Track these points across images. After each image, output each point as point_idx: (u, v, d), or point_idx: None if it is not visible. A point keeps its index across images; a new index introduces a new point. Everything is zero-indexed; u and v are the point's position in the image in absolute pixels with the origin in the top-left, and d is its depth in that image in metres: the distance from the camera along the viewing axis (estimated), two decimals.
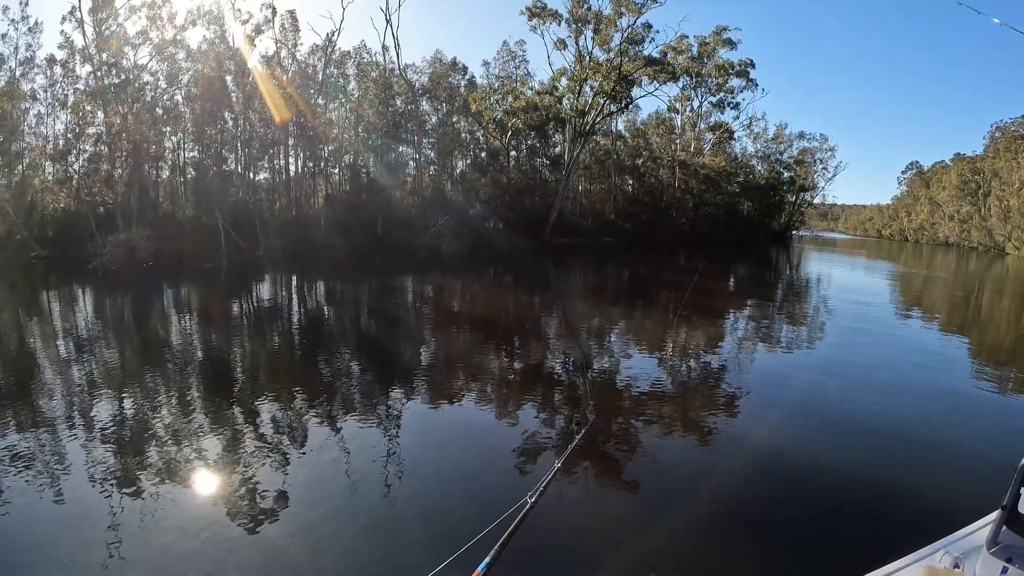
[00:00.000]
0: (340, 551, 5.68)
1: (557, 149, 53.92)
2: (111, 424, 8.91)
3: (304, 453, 7.98)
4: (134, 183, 37.34)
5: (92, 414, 9.32)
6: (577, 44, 51.11)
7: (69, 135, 40.22)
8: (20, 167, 40.56)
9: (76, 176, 40.11)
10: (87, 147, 39.83)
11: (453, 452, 8.20)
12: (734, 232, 62.51)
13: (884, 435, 8.87)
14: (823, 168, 77.63)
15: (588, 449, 7.92)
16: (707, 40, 58.86)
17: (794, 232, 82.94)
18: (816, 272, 40.46)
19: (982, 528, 3.77)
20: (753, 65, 60.28)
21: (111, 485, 6.85)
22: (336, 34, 44.09)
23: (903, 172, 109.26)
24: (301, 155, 45.05)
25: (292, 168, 45.62)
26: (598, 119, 50.82)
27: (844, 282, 34.19)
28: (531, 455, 7.88)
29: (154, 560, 5.44)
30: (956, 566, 3.43)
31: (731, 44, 58.97)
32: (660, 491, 7.05)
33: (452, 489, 6.95)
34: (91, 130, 39.22)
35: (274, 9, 41.59)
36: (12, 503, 6.37)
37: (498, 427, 9.15)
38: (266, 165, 44.60)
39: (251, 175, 43.16)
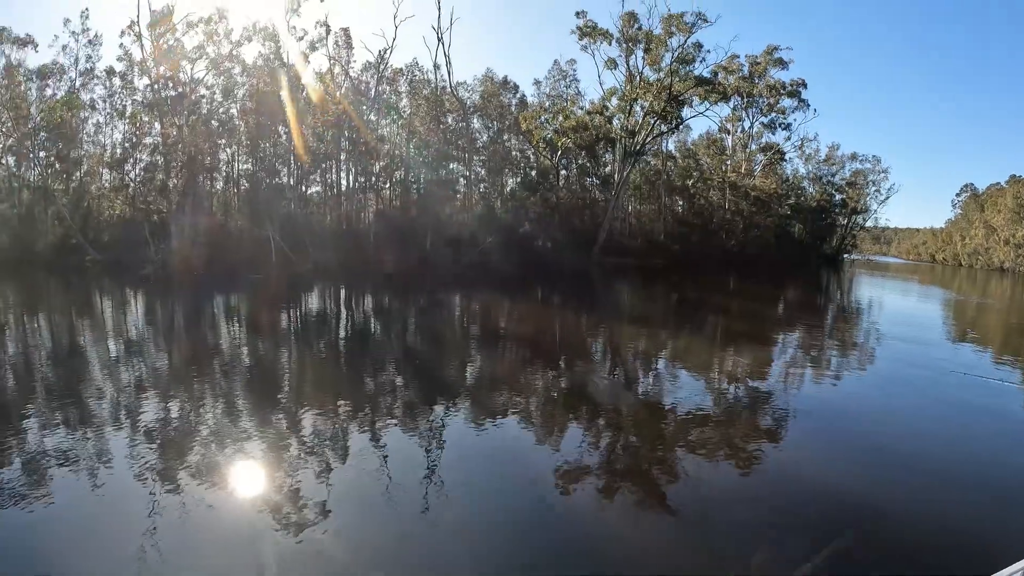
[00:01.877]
0: (372, 563, 5.69)
1: (607, 169, 53.33)
2: (154, 424, 9.17)
3: (344, 462, 8.05)
4: (188, 193, 38.00)
5: (137, 414, 9.60)
6: (627, 64, 50.93)
7: (126, 144, 41.32)
8: (78, 174, 41.71)
9: (132, 184, 41.16)
10: (143, 157, 40.93)
11: (491, 473, 8.10)
12: (784, 255, 61.40)
13: (934, 473, 8.42)
14: (876, 190, 75.85)
15: (629, 474, 7.96)
16: (758, 60, 58.23)
17: (846, 256, 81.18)
18: (868, 298, 39.18)
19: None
20: (805, 85, 59.29)
21: (153, 483, 7.00)
22: (388, 52, 44.27)
23: (957, 195, 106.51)
24: (353, 170, 45.45)
25: (344, 183, 46.08)
26: (648, 139, 50.31)
27: (897, 310, 32.94)
28: (568, 482, 7.65)
29: (191, 557, 5.53)
30: None
31: (782, 64, 58.25)
32: (700, 520, 6.84)
33: (488, 512, 6.85)
34: (148, 140, 40.33)
35: (328, 27, 42.14)
36: (57, 496, 6.56)
37: (536, 450, 9.05)
38: (318, 179, 45.14)
39: (303, 188, 43.75)
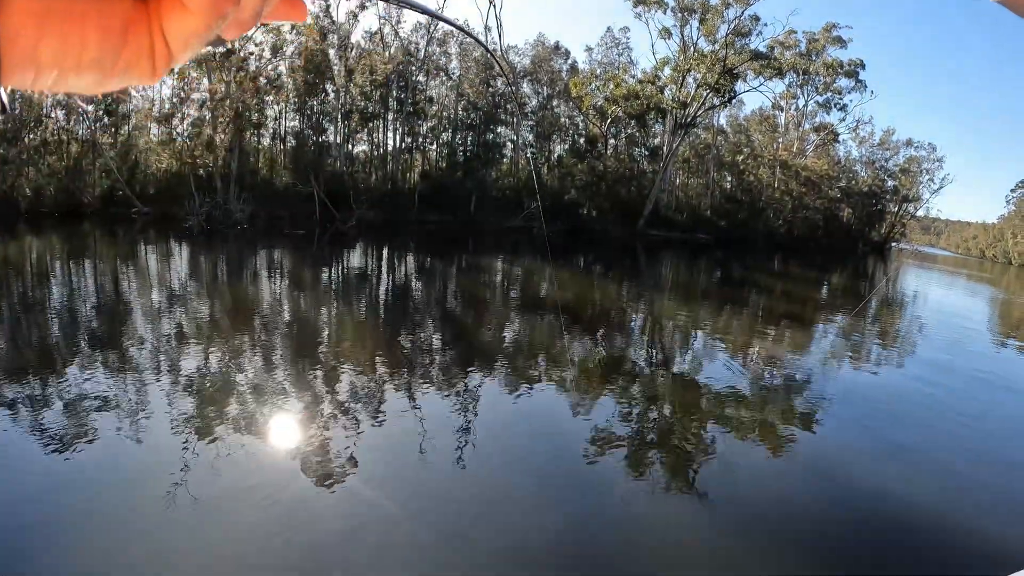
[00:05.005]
0: (402, 522, 5.65)
1: (656, 140, 52.73)
2: (191, 372, 9.25)
3: (376, 419, 8.01)
4: (234, 148, 38.00)
5: (173, 363, 9.64)
6: (682, 33, 50.05)
7: (174, 99, 41.20)
8: (126, 128, 41.94)
9: (179, 139, 41.10)
10: (191, 112, 40.77)
11: (523, 439, 8.11)
12: (831, 239, 60.02)
13: (964, 475, 8.12)
14: (929, 179, 72.82)
15: (659, 449, 7.99)
16: (816, 37, 56.45)
17: (893, 244, 79.14)
18: (915, 290, 37.73)
19: None
20: (863, 66, 57.45)
21: (188, 429, 7.09)
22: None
23: (1012, 190, 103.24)
24: (400, 130, 45.13)
25: (390, 142, 45.83)
26: (700, 112, 49.37)
27: (944, 307, 31.29)
28: (599, 450, 7.60)
29: (219, 504, 5.59)
30: None
31: (841, 42, 56.45)
32: (725, 501, 6.73)
33: (519, 478, 6.77)
34: (195, 96, 40.08)
35: None
36: (94, 439, 6.65)
37: (570, 418, 8.94)
38: (364, 138, 44.89)
39: (349, 147, 43.49)
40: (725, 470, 7.47)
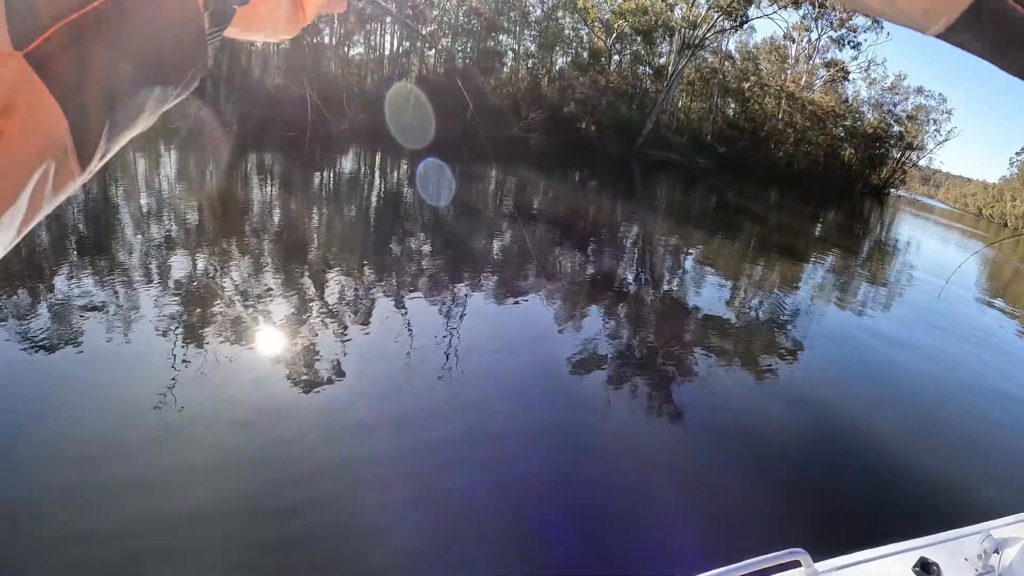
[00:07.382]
0: (389, 420, 5.69)
1: (662, 60, 50.68)
2: (179, 279, 8.92)
3: (363, 328, 7.90)
4: (225, 48, 35.96)
5: (159, 269, 9.28)
6: None
7: None
8: None
9: None
10: None
11: (510, 351, 7.95)
12: (831, 177, 58.20)
13: (945, 417, 8.28)
14: (935, 130, 70.71)
15: (641, 368, 7.92)
16: None
17: (892, 190, 77.28)
18: (909, 238, 36.54)
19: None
20: None
21: (176, 335, 6.88)
22: None
23: (1017, 153, 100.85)
24: (398, 33, 42.87)
25: (387, 46, 43.56)
26: (709, 34, 47.21)
27: (935, 254, 30.52)
28: (584, 369, 7.55)
29: (208, 407, 5.49)
30: (996, 551, 2.79)
31: None
32: (701, 425, 6.73)
33: (504, 394, 6.67)
34: None
35: None
36: (83, 345, 6.40)
37: (556, 330, 8.95)
38: (361, 40, 42.62)
39: (345, 49, 41.25)
40: (702, 384, 7.61)
